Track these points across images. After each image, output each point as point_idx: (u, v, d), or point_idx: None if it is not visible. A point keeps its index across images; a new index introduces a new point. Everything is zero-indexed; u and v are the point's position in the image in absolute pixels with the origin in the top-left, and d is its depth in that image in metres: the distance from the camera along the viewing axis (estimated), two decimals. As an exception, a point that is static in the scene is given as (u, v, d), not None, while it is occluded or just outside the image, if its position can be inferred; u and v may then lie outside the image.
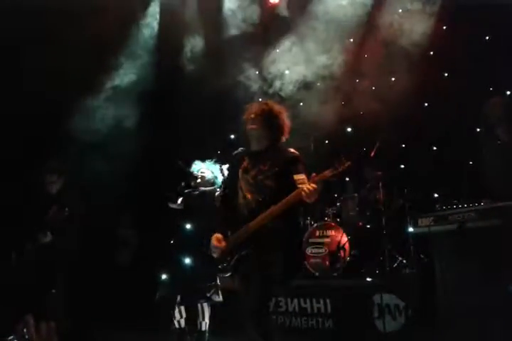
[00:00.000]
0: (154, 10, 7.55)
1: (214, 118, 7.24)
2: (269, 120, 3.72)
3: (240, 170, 3.77)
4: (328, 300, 5.36)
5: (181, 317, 4.90)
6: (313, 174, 3.44)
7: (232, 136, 7.34)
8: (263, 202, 3.59)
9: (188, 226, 4.99)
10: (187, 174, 5.16)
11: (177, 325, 4.89)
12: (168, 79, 7.18)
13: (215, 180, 5.16)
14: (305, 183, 3.49)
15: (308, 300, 5.49)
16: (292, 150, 3.72)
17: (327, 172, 3.41)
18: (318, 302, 5.43)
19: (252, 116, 3.74)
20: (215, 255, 3.74)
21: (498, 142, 4.41)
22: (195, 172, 5.19)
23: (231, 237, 3.69)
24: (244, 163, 3.77)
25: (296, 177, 3.55)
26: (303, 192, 3.38)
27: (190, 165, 5.25)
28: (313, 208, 6.49)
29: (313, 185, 3.38)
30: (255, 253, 3.56)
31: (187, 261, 4.88)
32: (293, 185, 3.52)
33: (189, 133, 7.10)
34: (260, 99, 3.97)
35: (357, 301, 5.21)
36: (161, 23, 7.55)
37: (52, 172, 5.36)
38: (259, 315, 3.46)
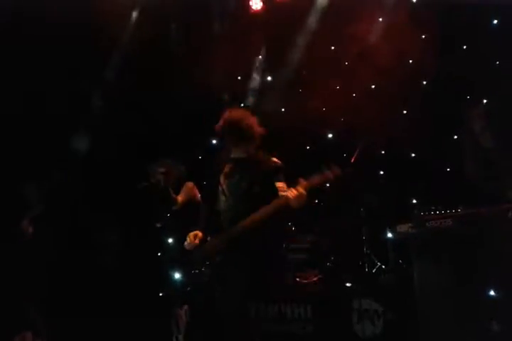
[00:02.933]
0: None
1: (195, 122, 7.21)
2: (231, 129, 3.70)
3: (222, 176, 3.77)
4: (308, 306, 5.38)
5: (179, 333, 4.85)
6: (301, 179, 3.42)
7: (214, 141, 7.32)
8: (244, 208, 3.59)
9: (171, 240, 4.97)
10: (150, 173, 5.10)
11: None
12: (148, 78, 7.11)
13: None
14: (285, 191, 3.50)
15: (288, 306, 5.50)
16: (275, 159, 3.73)
17: (316, 179, 3.41)
18: (298, 307, 5.45)
19: (217, 127, 3.78)
20: (187, 247, 3.72)
21: (481, 149, 4.49)
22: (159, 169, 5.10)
23: (212, 240, 3.69)
24: (226, 169, 3.78)
25: (277, 184, 3.57)
26: (290, 196, 3.37)
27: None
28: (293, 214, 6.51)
29: (301, 190, 3.37)
30: (236, 258, 3.56)
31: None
32: (274, 193, 3.55)
33: (169, 137, 7.03)
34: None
35: (336, 306, 5.24)
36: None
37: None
38: (238, 320, 3.47)
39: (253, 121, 3.76)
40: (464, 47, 6.54)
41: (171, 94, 7.02)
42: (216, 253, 3.63)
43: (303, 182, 3.41)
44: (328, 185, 3.43)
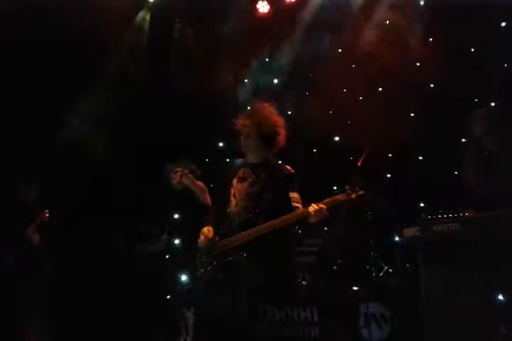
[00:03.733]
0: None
1: (202, 125, 7.22)
2: (264, 129, 3.64)
3: (235, 180, 3.78)
4: (314, 309, 5.37)
5: (188, 334, 4.85)
6: (324, 198, 3.45)
7: (221, 144, 7.33)
8: (256, 212, 3.60)
9: (177, 241, 4.96)
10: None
11: None
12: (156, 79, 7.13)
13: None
14: (299, 202, 3.56)
15: (294, 309, 5.49)
16: (289, 167, 3.73)
17: (339, 197, 3.44)
18: (304, 311, 5.44)
19: (247, 123, 3.69)
20: (200, 244, 3.73)
21: (485, 153, 4.46)
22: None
23: (223, 241, 3.69)
24: (240, 173, 3.78)
25: (292, 195, 3.59)
26: (310, 211, 3.38)
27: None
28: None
29: (322, 206, 3.39)
30: (247, 261, 3.58)
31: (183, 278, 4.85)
32: (286, 201, 3.57)
33: (175, 139, 7.04)
34: (249, 107, 3.90)
35: (343, 310, 5.22)
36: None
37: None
38: (248, 323, 3.49)
39: (280, 123, 3.69)
40: (472, 49, 6.51)
41: (177, 96, 7.03)
42: (227, 254, 3.64)
43: (326, 199, 3.44)
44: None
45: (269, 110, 3.76)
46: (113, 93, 6.95)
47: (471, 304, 4.09)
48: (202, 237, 3.76)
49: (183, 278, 4.91)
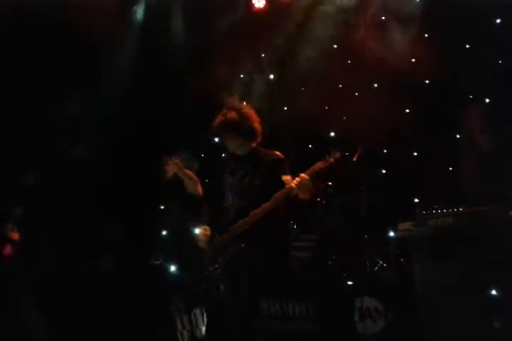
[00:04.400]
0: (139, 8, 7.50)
1: (197, 120, 7.22)
2: (231, 127, 3.66)
3: (227, 174, 3.80)
4: (309, 303, 5.40)
5: (184, 328, 4.84)
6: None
7: (216, 139, 7.34)
8: (250, 205, 3.61)
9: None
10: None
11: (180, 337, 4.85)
12: (152, 76, 7.12)
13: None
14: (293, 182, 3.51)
15: (290, 303, 5.52)
16: (277, 153, 3.73)
17: (318, 164, 3.44)
18: (300, 305, 5.47)
19: (218, 127, 3.71)
20: (201, 244, 3.75)
21: (479, 149, 4.50)
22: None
23: (220, 237, 3.72)
24: (230, 166, 3.81)
25: (284, 178, 3.56)
26: (293, 185, 3.38)
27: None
28: (297, 212, 6.52)
29: (303, 176, 3.37)
30: (244, 253, 3.60)
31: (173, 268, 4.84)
32: (279, 186, 3.55)
33: (170, 134, 7.04)
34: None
35: (338, 304, 5.26)
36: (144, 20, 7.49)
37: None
38: (246, 315, 3.53)
39: (252, 116, 3.73)
40: (467, 46, 6.54)
41: (173, 92, 7.04)
42: (227, 249, 3.67)
43: (305, 171, 3.43)
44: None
45: (238, 105, 3.79)
46: (109, 90, 6.95)
47: (465, 298, 4.13)
48: (201, 239, 3.79)
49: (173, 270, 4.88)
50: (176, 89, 7.00)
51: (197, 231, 3.83)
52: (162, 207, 5.31)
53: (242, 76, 7.44)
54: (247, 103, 3.90)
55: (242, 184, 3.68)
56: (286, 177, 3.55)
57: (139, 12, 7.38)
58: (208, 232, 3.78)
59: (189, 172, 4.37)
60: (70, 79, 6.55)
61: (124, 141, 6.88)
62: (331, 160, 3.42)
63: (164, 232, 5.22)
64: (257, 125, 3.72)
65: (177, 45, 7.35)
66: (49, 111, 6.52)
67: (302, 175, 3.39)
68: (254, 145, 3.75)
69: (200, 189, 4.43)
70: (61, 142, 6.53)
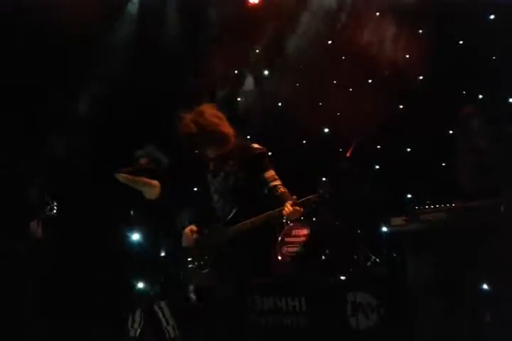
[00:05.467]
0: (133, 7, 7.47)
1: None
2: (201, 135, 3.55)
3: (209, 175, 3.76)
4: (302, 299, 5.42)
5: (139, 325, 4.83)
6: (295, 197, 3.41)
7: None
8: (236, 205, 3.60)
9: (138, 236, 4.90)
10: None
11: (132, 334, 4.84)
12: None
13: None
14: (276, 179, 3.53)
15: (283, 299, 5.54)
16: (256, 145, 3.65)
17: (313, 198, 3.41)
18: (292, 300, 5.49)
19: (182, 132, 3.60)
20: (183, 244, 3.77)
21: (475, 149, 4.51)
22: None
23: (208, 237, 3.71)
24: (211, 167, 3.75)
25: (267, 174, 3.54)
26: (284, 213, 3.38)
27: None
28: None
29: (296, 208, 3.36)
30: (231, 252, 3.60)
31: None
32: (264, 183, 3.54)
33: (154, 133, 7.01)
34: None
35: (331, 299, 5.28)
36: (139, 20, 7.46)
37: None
38: (233, 312, 3.52)
39: (214, 121, 3.58)
40: (461, 42, 6.55)
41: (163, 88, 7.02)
42: (214, 249, 3.66)
43: (296, 200, 3.39)
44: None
45: (206, 112, 3.63)
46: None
47: (456, 293, 4.15)
48: (186, 237, 3.79)
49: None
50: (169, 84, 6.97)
51: (185, 229, 3.81)
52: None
53: (235, 72, 7.44)
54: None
55: (227, 185, 3.64)
56: (268, 175, 3.53)
57: (133, 6, 7.35)
58: (194, 231, 3.77)
59: (142, 179, 4.42)
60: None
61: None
62: (325, 196, 3.40)
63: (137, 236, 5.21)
64: (221, 128, 3.58)
65: (171, 40, 7.31)
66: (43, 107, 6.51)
67: (296, 207, 3.36)
68: (227, 146, 3.64)
69: (158, 192, 4.51)
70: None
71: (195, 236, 3.75)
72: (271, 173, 3.55)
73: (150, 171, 4.85)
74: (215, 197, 3.71)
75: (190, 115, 3.62)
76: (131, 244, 4.97)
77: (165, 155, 5.01)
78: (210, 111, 3.62)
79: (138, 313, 4.82)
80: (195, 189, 4.04)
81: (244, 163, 3.59)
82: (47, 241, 5.04)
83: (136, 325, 4.81)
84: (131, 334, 4.81)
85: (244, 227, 3.53)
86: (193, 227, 3.78)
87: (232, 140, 3.62)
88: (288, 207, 3.37)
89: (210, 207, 3.74)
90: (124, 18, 7.29)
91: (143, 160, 4.91)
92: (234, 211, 3.62)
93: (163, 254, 5.23)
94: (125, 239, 5.02)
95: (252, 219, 3.52)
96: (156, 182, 4.61)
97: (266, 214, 3.50)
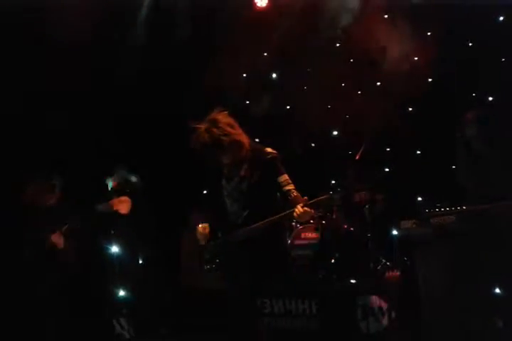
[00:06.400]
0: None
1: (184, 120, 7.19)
2: (217, 147, 3.55)
3: (223, 180, 3.78)
4: (313, 302, 5.42)
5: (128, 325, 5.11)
6: (306, 198, 3.45)
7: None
8: (250, 209, 3.63)
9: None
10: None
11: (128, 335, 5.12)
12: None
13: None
14: (289, 184, 3.56)
15: (293, 302, 5.54)
16: (269, 149, 3.67)
17: (323, 199, 3.43)
18: (303, 303, 5.49)
19: (200, 149, 3.60)
20: (202, 242, 3.80)
21: (475, 154, 4.49)
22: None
23: (222, 239, 3.75)
24: (225, 172, 3.77)
25: (280, 179, 3.57)
26: (295, 214, 3.41)
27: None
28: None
29: (307, 209, 3.39)
30: (245, 255, 3.62)
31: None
32: (277, 187, 3.57)
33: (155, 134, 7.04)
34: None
35: (341, 303, 5.27)
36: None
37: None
38: (247, 314, 3.55)
39: (229, 130, 3.57)
40: (470, 44, 6.54)
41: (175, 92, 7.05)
42: (228, 250, 3.70)
43: (308, 201, 3.42)
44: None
45: (212, 123, 3.60)
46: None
47: (468, 297, 4.13)
48: (199, 236, 3.83)
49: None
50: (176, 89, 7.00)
51: (200, 227, 3.85)
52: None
53: (244, 75, 7.46)
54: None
55: (240, 190, 3.67)
56: (281, 179, 3.56)
57: (143, 9, 7.38)
58: (207, 230, 3.80)
59: (111, 202, 4.85)
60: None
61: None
62: (335, 197, 3.43)
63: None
64: (236, 137, 3.58)
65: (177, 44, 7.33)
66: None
67: (306, 209, 3.38)
68: (242, 153, 3.64)
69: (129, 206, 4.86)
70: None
71: (207, 231, 3.78)
72: (284, 177, 3.58)
73: (121, 191, 5.38)
74: (228, 201, 3.74)
75: (204, 125, 3.60)
76: (111, 256, 5.31)
77: (135, 173, 5.57)
78: (223, 120, 3.60)
79: (122, 319, 5.07)
80: (209, 193, 4.06)
81: (257, 167, 3.61)
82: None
83: (126, 326, 5.00)
84: (127, 336, 4.99)
85: (256, 230, 3.56)
86: (206, 225, 3.80)
87: (246, 147, 3.64)
88: (298, 209, 3.39)
89: (222, 211, 3.77)
90: (135, 20, 7.33)
91: (114, 183, 5.45)
92: (245, 214, 3.64)
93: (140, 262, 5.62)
94: (105, 251, 5.33)
95: (264, 221, 3.54)
96: (124, 198, 4.99)
97: (277, 216, 3.52)
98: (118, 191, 5.46)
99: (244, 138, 3.64)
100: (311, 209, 3.40)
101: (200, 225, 3.82)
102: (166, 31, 7.24)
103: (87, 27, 6.23)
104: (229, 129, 3.57)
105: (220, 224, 3.80)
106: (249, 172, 3.63)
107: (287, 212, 3.48)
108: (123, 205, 4.93)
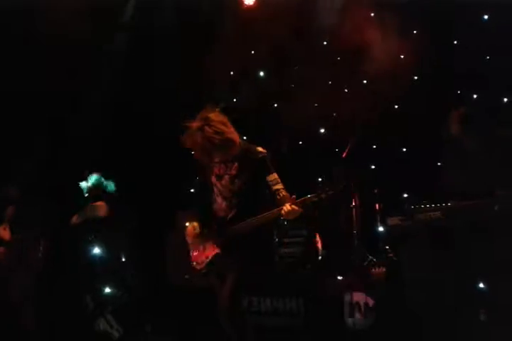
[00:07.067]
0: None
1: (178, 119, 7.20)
2: (208, 145, 3.57)
3: (213, 177, 3.80)
4: (300, 299, 5.42)
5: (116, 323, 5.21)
6: (294, 196, 3.50)
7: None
8: (240, 207, 3.66)
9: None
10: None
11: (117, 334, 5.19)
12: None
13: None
14: (278, 183, 3.61)
15: (280, 299, 5.54)
16: (259, 149, 3.72)
17: (311, 197, 3.49)
18: (290, 301, 5.49)
19: (191, 147, 3.65)
20: (190, 241, 3.84)
21: (463, 150, 4.52)
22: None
23: (210, 238, 3.77)
24: (215, 170, 3.79)
25: (269, 178, 3.62)
26: (283, 212, 3.46)
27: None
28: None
29: (294, 207, 3.45)
30: (231, 253, 3.65)
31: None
32: (266, 186, 3.62)
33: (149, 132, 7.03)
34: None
35: (328, 300, 5.28)
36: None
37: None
38: (232, 312, 3.56)
39: (222, 128, 3.59)
40: (455, 42, 6.58)
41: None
42: (215, 250, 3.73)
43: (294, 199, 3.48)
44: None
45: (206, 121, 3.62)
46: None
47: (453, 292, 4.16)
48: (188, 235, 3.85)
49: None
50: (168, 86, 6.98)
51: (187, 225, 3.87)
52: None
53: (231, 74, 7.45)
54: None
55: (231, 188, 3.70)
56: (270, 178, 3.61)
57: (130, 9, 7.35)
58: (197, 230, 3.82)
59: (87, 208, 5.23)
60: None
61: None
62: (323, 196, 3.48)
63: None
64: (228, 136, 3.60)
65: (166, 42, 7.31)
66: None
67: (293, 206, 3.44)
68: (233, 151, 3.67)
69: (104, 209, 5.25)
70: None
71: (197, 231, 3.81)
72: (273, 176, 3.63)
73: (97, 196, 5.60)
74: (218, 199, 3.76)
75: (196, 123, 3.62)
76: (93, 256, 5.48)
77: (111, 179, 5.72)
78: (216, 119, 3.62)
79: (108, 315, 5.17)
80: (199, 191, 4.06)
81: (247, 166, 3.66)
82: None
83: (114, 325, 5.04)
84: (116, 334, 5.02)
85: (244, 227, 3.59)
86: (195, 224, 3.83)
87: (238, 145, 3.66)
88: (286, 207, 3.44)
89: (212, 209, 3.80)
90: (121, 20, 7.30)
91: (88, 189, 5.63)
92: (234, 212, 3.68)
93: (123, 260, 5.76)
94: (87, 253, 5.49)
95: (251, 219, 3.57)
96: (99, 203, 5.43)
97: (265, 214, 3.56)
98: (94, 196, 5.62)
99: (236, 137, 3.66)
100: (298, 207, 3.44)
101: (189, 224, 3.83)
102: (151, 31, 7.23)
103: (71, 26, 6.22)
104: (222, 127, 3.58)
105: (207, 221, 3.80)
106: (239, 171, 3.67)
107: (275, 210, 3.52)
108: (100, 208, 5.30)
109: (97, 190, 5.60)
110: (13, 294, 5.09)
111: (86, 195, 5.59)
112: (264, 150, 3.72)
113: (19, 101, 6.44)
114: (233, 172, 3.69)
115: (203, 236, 3.80)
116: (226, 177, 3.72)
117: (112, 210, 5.55)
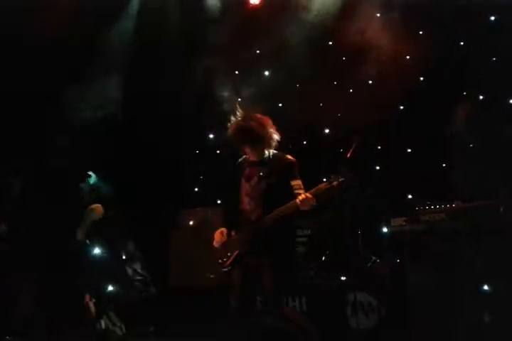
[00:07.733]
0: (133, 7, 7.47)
1: (191, 117, 7.23)
2: (247, 136, 3.87)
3: (243, 179, 4.02)
4: (303, 299, 5.43)
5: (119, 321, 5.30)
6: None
7: (212, 136, 7.36)
8: (265, 208, 3.85)
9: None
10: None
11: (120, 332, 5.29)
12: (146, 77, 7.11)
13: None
14: (301, 188, 3.82)
15: (284, 299, 5.54)
16: (289, 156, 3.95)
17: (322, 186, 3.69)
18: (293, 300, 5.50)
19: (231, 136, 3.95)
20: (216, 245, 4.03)
21: (469, 145, 4.53)
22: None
23: (236, 236, 3.98)
24: (246, 172, 4.02)
25: (293, 183, 3.84)
26: (297, 201, 3.66)
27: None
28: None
29: (309, 195, 3.66)
30: (258, 252, 3.84)
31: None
32: (291, 190, 3.81)
33: (165, 131, 7.05)
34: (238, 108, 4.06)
35: (331, 299, 5.29)
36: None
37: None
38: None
39: (267, 124, 3.91)
40: (461, 43, 6.57)
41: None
42: (240, 246, 3.91)
43: (311, 190, 3.70)
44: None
45: (249, 116, 3.97)
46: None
47: (456, 293, 4.16)
48: (216, 240, 4.04)
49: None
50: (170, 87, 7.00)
51: (218, 231, 4.07)
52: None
53: (236, 72, 7.45)
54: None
55: (258, 189, 3.90)
56: (294, 183, 3.83)
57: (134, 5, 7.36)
58: (224, 236, 4.02)
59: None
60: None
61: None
62: (334, 183, 3.65)
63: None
64: (272, 132, 3.91)
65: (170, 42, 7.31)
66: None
67: (308, 194, 3.66)
68: (269, 151, 3.96)
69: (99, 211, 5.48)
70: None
71: (225, 238, 4.02)
72: (297, 182, 3.86)
73: (94, 198, 5.78)
74: (246, 199, 3.96)
75: (242, 117, 3.97)
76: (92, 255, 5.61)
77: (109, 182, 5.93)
78: (260, 117, 3.95)
79: (111, 313, 5.24)
80: (228, 191, 4.26)
81: (276, 170, 3.89)
82: None
83: (117, 323, 5.09)
84: (119, 332, 5.08)
85: (266, 222, 3.80)
86: (224, 230, 4.04)
87: (265, 142, 3.89)
88: (301, 196, 3.66)
89: (239, 208, 4.01)
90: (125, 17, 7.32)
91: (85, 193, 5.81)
92: (260, 212, 3.88)
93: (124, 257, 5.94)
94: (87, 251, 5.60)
95: (271, 214, 3.78)
96: (95, 205, 5.60)
97: (282, 207, 3.75)
98: (91, 198, 5.80)
99: (265, 135, 3.90)
100: (312, 196, 3.63)
101: (219, 230, 4.04)
102: (155, 30, 7.24)
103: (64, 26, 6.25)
104: (253, 124, 3.88)
105: (235, 220, 4.01)
106: (268, 174, 3.89)
107: (291, 202, 3.72)
108: (96, 211, 5.50)
109: (93, 191, 5.81)
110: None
111: (85, 196, 5.75)
112: (294, 158, 3.95)
113: (19, 101, 6.45)
114: (262, 174, 3.92)
115: (229, 238, 4.00)
116: (255, 178, 3.93)
117: (109, 210, 5.75)
